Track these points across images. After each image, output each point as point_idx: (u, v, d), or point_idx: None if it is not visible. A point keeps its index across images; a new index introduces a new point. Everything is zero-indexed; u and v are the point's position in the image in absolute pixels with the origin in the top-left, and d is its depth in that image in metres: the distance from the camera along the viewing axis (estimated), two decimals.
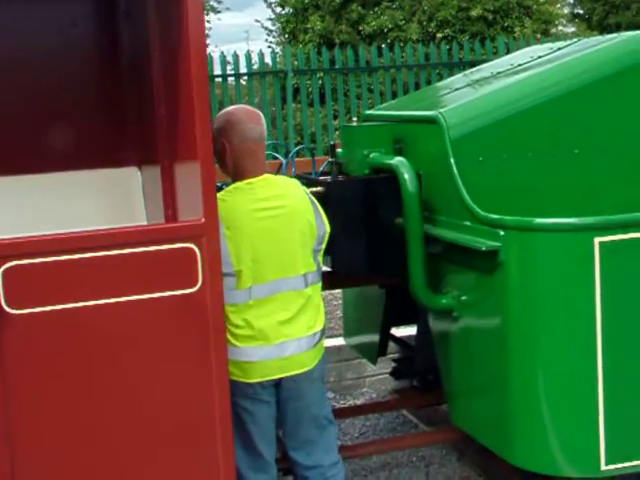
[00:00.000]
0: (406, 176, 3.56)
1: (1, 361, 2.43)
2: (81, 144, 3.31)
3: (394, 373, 4.95)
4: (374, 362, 4.74)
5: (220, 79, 11.04)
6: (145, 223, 2.66)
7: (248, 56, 11.06)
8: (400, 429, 5.12)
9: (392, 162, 3.65)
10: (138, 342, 2.52)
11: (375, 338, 4.56)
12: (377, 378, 5.67)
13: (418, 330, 4.32)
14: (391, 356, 5.22)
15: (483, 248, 3.22)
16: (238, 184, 3.05)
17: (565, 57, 3.85)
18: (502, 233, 3.22)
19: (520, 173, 3.62)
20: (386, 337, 4.60)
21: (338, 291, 5.70)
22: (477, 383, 3.54)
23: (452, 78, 4.77)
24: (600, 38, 3.99)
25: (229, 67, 11.14)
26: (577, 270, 3.14)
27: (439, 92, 4.34)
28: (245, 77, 11.08)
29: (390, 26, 15.05)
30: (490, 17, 14.84)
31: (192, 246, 2.47)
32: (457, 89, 4.14)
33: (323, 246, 3.17)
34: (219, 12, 15.70)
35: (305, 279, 3.09)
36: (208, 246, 2.49)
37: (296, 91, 11.85)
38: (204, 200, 2.46)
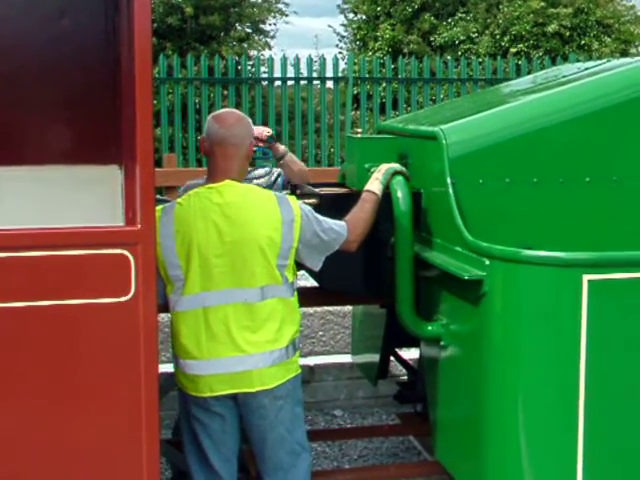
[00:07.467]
0: (399, 194, 3.38)
1: None
2: (64, 139, 3.25)
3: (398, 397, 4.77)
4: (374, 383, 4.56)
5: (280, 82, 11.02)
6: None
7: (310, 60, 10.99)
8: (402, 455, 4.91)
9: None
10: (59, 348, 2.40)
11: (376, 358, 4.39)
12: (390, 399, 5.46)
13: (420, 354, 4.13)
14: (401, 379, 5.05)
15: (466, 276, 3.02)
16: (199, 189, 2.98)
17: (585, 78, 3.61)
18: (487, 262, 3.01)
19: (524, 199, 3.40)
20: (387, 358, 4.42)
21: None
22: (456, 417, 3.33)
23: (477, 93, 4.56)
24: (627, 60, 3.73)
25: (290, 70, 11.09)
26: (563, 309, 2.91)
27: (455, 107, 4.14)
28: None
29: (462, 38, 14.74)
30: (567, 34, 14.38)
31: (126, 253, 2.36)
32: (473, 105, 3.93)
33: (289, 262, 3.01)
34: (286, 15, 15.39)
35: (262, 292, 2.93)
36: (144, 254, 2.37)
37: (358, 99, 11.74)
38: (141, 206, 2.35)
